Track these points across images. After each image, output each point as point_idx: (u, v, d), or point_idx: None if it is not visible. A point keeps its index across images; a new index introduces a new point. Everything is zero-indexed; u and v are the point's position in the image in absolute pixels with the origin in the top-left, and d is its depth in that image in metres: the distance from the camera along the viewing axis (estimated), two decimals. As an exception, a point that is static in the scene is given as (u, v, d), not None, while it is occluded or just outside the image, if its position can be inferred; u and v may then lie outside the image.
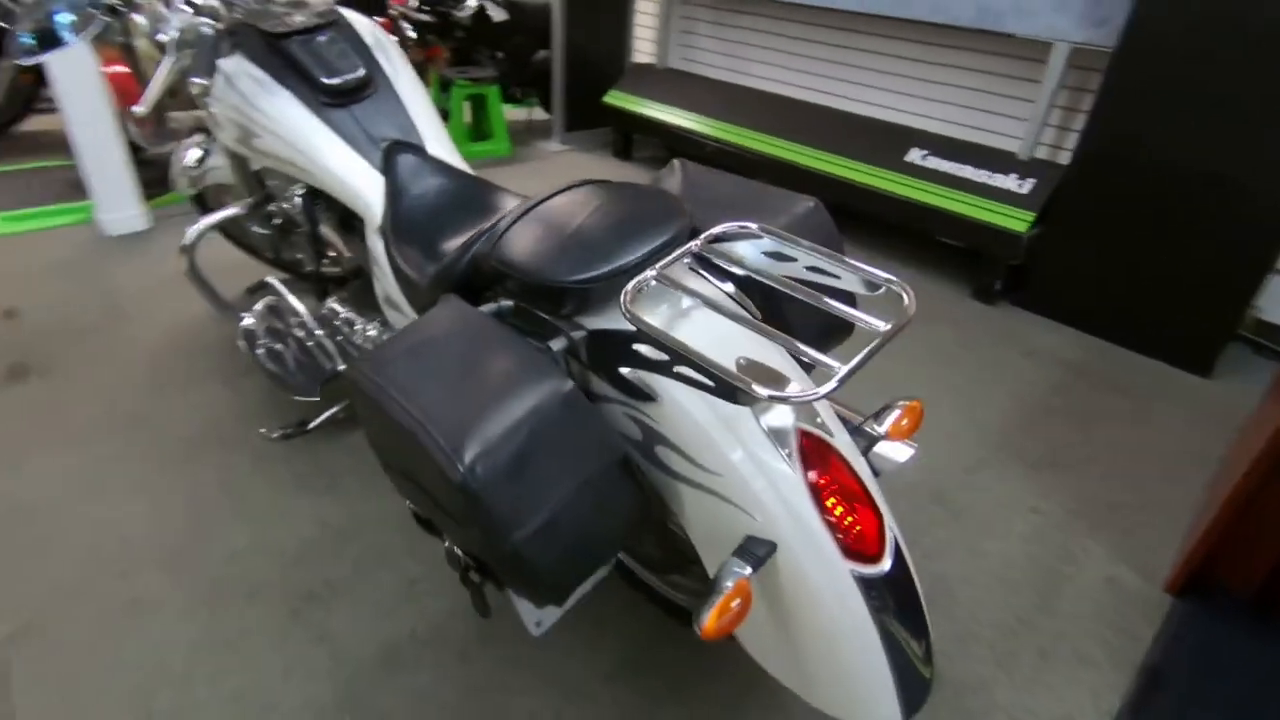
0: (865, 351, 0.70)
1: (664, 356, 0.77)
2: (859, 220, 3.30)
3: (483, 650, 1.28)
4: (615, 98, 3.92)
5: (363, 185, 1.25)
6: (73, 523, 1.49)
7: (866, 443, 0.93)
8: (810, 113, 3.30)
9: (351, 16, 1.44)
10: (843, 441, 0.86)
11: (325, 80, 1.26)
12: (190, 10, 1.19)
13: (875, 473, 1.01)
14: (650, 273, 0.80)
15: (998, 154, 2.71)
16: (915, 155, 2.86)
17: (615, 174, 3.81)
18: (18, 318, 2.15)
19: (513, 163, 3.89)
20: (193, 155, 1.78)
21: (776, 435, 0.82)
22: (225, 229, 2.17)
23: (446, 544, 0.96)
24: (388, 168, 1.25)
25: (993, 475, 1.79)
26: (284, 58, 1.27)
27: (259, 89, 1.28)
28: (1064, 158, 2.64)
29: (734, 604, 0.78)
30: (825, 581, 0.82)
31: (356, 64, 1.30)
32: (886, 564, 0.84)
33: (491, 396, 0.76)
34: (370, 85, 1.32)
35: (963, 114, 2.96)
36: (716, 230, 0.88)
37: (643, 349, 0.81)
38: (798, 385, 0.82)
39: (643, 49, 4.21)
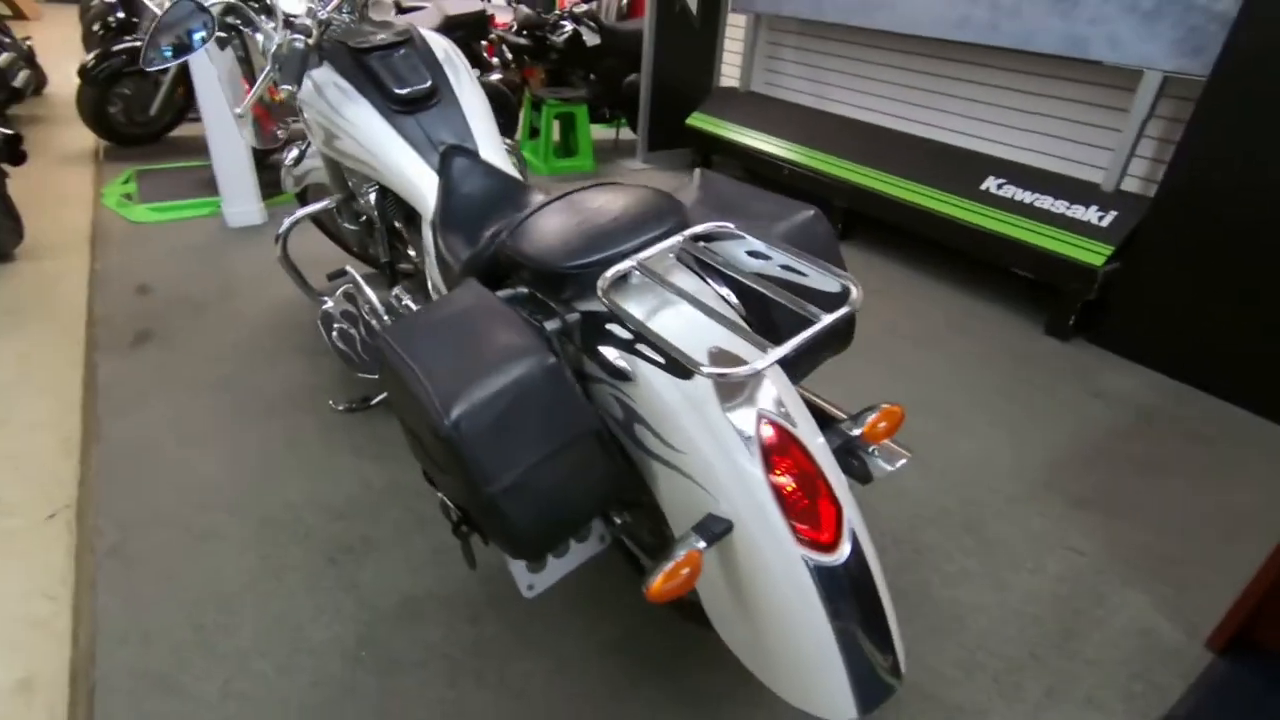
0: (801, 337, 0.76)
1: (631, 336, 0.84)
2: (931, 248, 3.23)
3: (491, 615, 1.37)
4: (698, 120, 4.03)
5: (421, 183, 1.40)
6: (168, 461, 1.72)
7: (840, 440, 0.96)
8: (887, 138, 3.28)
9: (428, 35, 1.61)
10: (806, 432, 0.90)
11: (396, 90, 1.42)
12: (287, 29, 1.38)
13: (867, 478, 1.04)
14: (629, 262, 0.88)
15: (1080, 185, 2.60)
16: (991, 183, 2.79)
17: (692, 193, 3.90)
18: (150, 293, 2.48)
19: (594, 178, 4.07)
20: (292, 156, 2.03)
21: (738, 420, 0.87)
22: (321, 223, 2.42)
23: (440, 496, 1.06)
24: (443, 168, 1.40)
25: (1034, 510, 1.73)
26: (365, 70, 1.44)
27: (343, 96, 1.46)
28: (1155, 191, 2.51)
29: (683, 571, 0.83)
30: (778, 564, 0.86)
31: (425, 77, 1.46)
32: (841, 554, 0.87)
33: (484, 364, 0.86)
34: (436, 95, 1.47)
35: (1045, 143, 2.86)
36: (699, 229, 0.94)
37: (616, 329, 0.89)
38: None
39: (729, 73, 4.31)
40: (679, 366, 0.78)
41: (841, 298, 0.84)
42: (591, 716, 1.21)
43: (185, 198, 3.25)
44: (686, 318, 0.91)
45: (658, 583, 0.82)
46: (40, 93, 4.88)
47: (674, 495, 0.94)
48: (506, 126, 4.06)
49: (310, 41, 1.35)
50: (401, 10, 3.98)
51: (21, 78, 3.93)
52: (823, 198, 3.34)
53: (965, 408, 2.12)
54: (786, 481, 0.86)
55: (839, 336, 1.13)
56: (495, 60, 4.07)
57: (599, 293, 0.84)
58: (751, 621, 0.92)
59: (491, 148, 1.47)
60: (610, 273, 0.86)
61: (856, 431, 0.96)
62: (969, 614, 1.44)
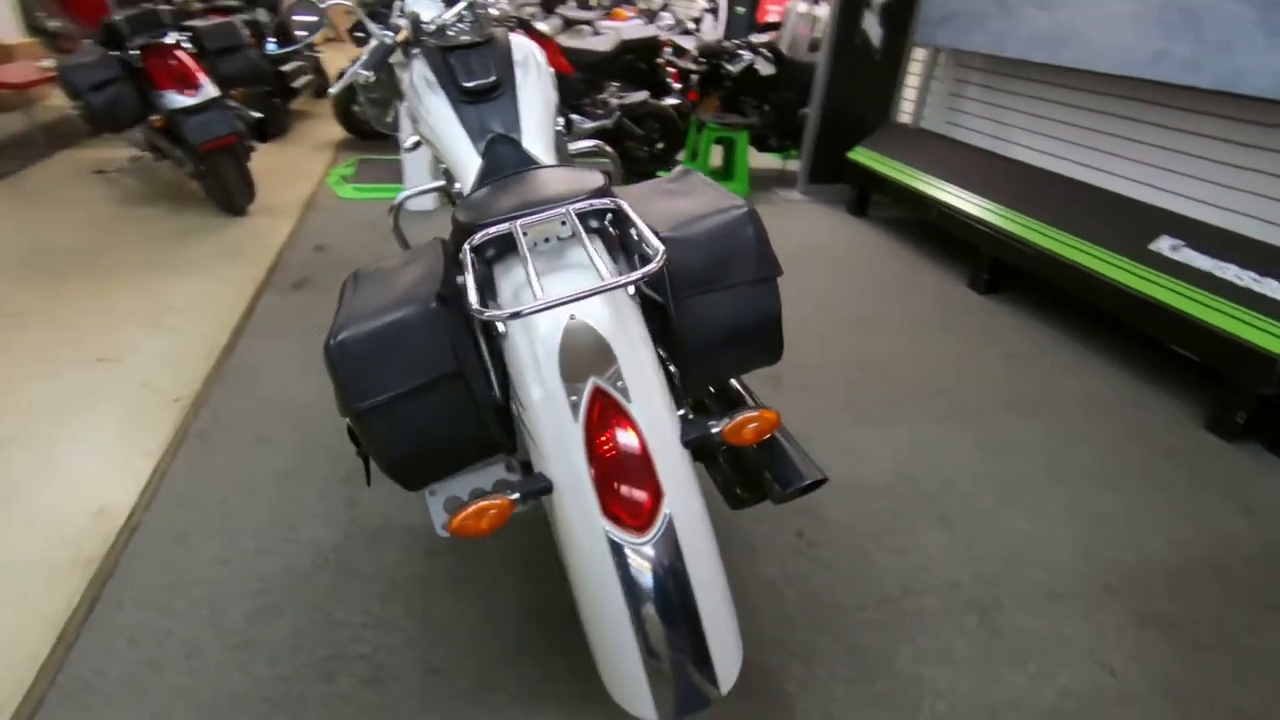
0: (578, 290, 0.78)
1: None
2: (1080, 309, 2.80)
3: (445, 555, 1.49)
4: (859, 154, 3.89)
5: (469, 166, 1.58)
6: (273, 381, 2.08)
7: (698, 433, 0.93)
8: (1049, 182, 2.92)
9: (514, 39, 1.80)
10: (645, 411, 0.89)
11: (463, 83, 1.62)
12: (382, 28, 1.65)
13: (752, 487, 0.99)
14: (508, 225, 0.95)
15: (1274, 252, 2.12)
16: (1164, 244, 2.36)
17: (844, 229, 3.79)
18: (323, 251, 3.01)
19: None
20: (410, 141, 2.35)
21: (571, 386, 0.89)
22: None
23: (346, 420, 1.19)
24: (486, 153, 1.56)
25: (1075, 612, 1.45)
26: (445, 64, 1.66)
27: (426, 87, 1.69)
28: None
29: (489, 513, 0.87)
30: (583, 533, 0.86)
31: (491, 72, 1.64)
32: (647, 538, 0.85)
33: (381, 305, 0.98)
34: (499, 90, 1.65)
35: (1238, 199, 2.36)
36: (580, 204, 0.98)
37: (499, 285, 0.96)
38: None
39: (907, 109, 4.11)
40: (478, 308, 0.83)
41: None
42: (483, 668, 1.26)
43: (384, 183, 3.86)
44: (562, 281, 0.94)
45: (458, 519, 0.87)
46: (323, 95, 6.06)
47: (525, 450, 0.98)
48: (670, 148, 4.26)
49: (396, 38, 1.59)
50: (596, 33, 4.37)
51: (302, 81, 4.95)
52: (969, 244, 3.05)
53: (1045, 485, 1.83)
54: (607, 453, 0.86)
55: (758, 344, 1.08)
56: (679, 85, 4.29)
57: (465, 251, 0.92)
58: (574, 592, 0.92)
59: (536, 139, 1.61)
60: (481, 234, 0.94)
61: (715, 428, 0.93)
62: (926, 698, 1.26)
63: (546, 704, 1.20)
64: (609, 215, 1.03)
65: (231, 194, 3.19)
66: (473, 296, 0.81)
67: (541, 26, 3.86)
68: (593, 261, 0.84)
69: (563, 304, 0.78)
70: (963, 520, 1.70)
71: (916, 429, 2.04)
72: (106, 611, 1.33)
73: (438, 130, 1.65)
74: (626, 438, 0.87)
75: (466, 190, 1.55)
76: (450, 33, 1.76)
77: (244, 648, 1.27)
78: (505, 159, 1.55)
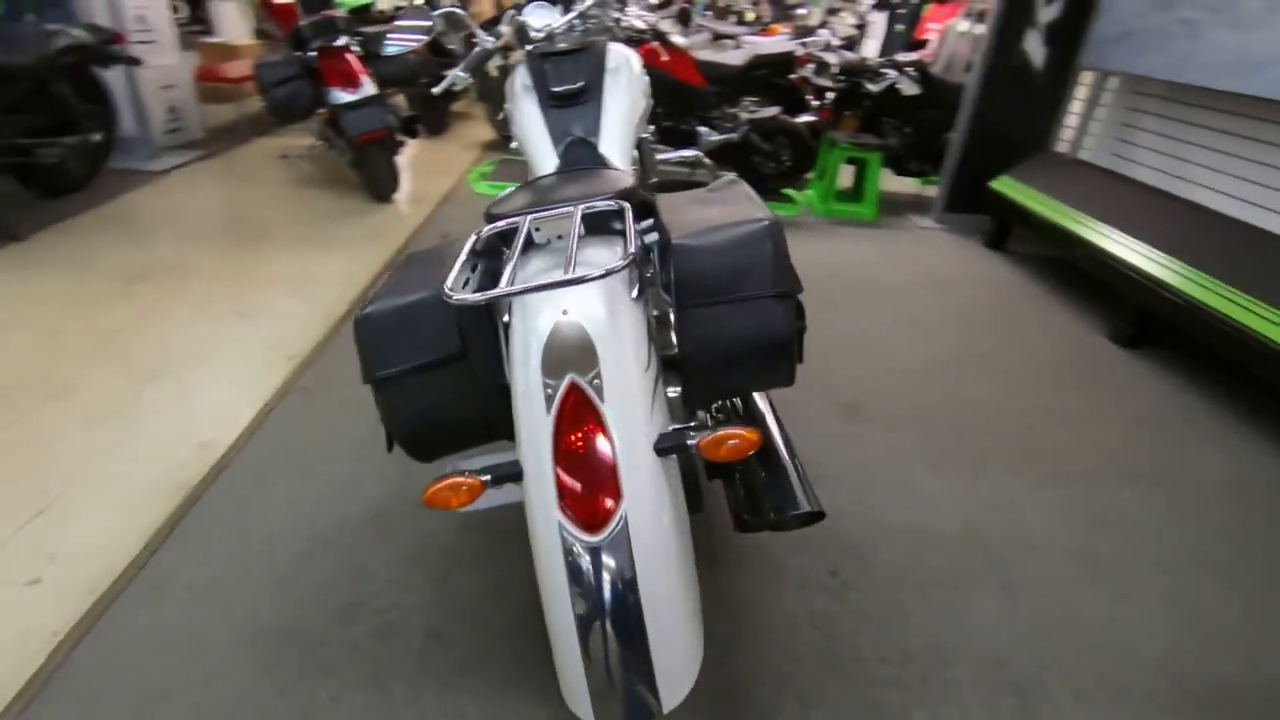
0: (545, 279, 0.80)
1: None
2: (1243, 376, 2.39)
3: (477, 532, 1.56)
4: (1003, 184, 3.59)
5: (545, 167, 1.65)
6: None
7: (673, 441, 0.91)
8: (1228, 230, 2.53)
9: (613, 47, 1.85)
10: (615, 413, 0.88)
11: (553, 87, 1.70)
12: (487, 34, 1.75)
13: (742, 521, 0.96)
14: (519, 218, 0.98)
15: None
16: (1356, 310, 1.98)
17: (976, 261, 3.53)
18: (448, 239, 3.24)
19: (872, 228, 3.91)
20: (514, 143, 2.48)
21: (549, 376, 0.91)
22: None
23: None
24: (563, 156, 1.63)
25: (1143, 716, 1.26)
26: (541, 70, 1.75)
27: (523, 91, 1.79)
28: None
29: (460, 489, 0.91)
30: (541, 525, 0.88)
31: (579, 79, 1.70)
32: (598, 539, 0.85)
33: (411, 283, 1.06)
34: (585, 95, 1.71)
35: None
36: (589, 205, 0.99)
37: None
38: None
39: (1065, 137, 3.73)
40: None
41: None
42: (482, 642, 1.31)
43: (517, 181, 4.11)
44: (548, 272, 0.96)
45: (431, 490, 0.92)
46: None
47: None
48: (799, 166, 4.17)
49: (496, 44, 1.70)
50: (737, 47, 4.38)
51: (462, 81, 5.37)
52: (1115, 290, 2.73)
53: (1144, 569, 1.59)
54: (572, 449, 0.87)
55: (765, 363, 1.04)
56: (817, 102, 4.20)
57: (469, 240, 0.97)
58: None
59: (613, 144, 1.65)
60: (489, 226, 0.98)
61: (692, 440, 0.91)
62: (930, 770, 1.15)
63: (531, 684, 1.23)
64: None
65: (380, 183, 3.54)
66: (451, 281, 0.85)
67: (678, 40, 3.93)
68: (570, 259, 0.85)
69: (514, 294, 0.81)
70: (1030, 592, 1.52)
71: (1004, 485, 1.86)
72: (186, 530, 1.53)
73: (525, 131, 1.74)
74: (593, 436, 0.87)
75: (541, 189, 1.63)
76: (551, 40, 1.86)
77: (284, 583, 1.41)
78: (579, 162, 1.61)
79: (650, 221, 1.17)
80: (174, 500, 1.59)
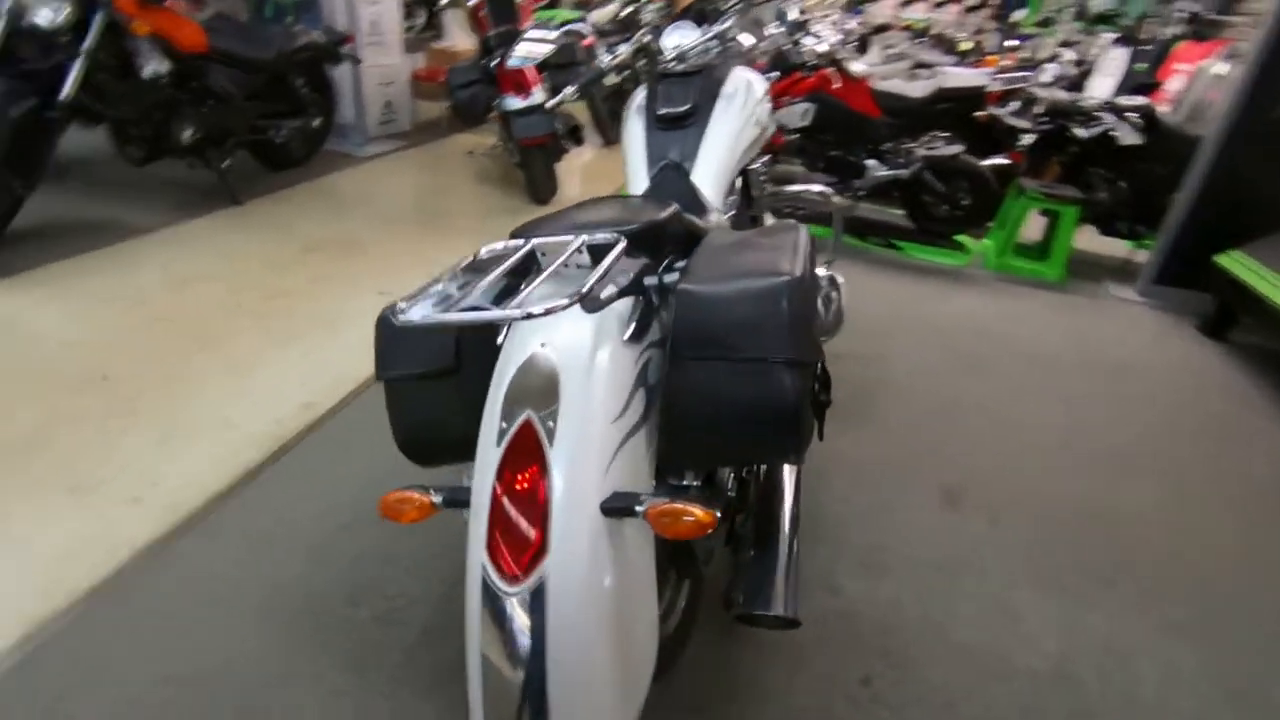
0: (486, 316, 0.75)
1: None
2: None
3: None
4: (1234, 259, 2.96)
5: (636, 188, 1.62)
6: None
7: (619, 504, 0.83)
8: None
9: (735, 72, 1.77)
10: (561, 460, 0.82)
11: (659, 109, 1.66)
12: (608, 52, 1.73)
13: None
14: (522, 240, 0.95)
15: None
16: None
17: (1182, 347, 2.97)
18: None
19: (1053, 291, 3.42)
20: None
21: (508, 411, 0.87)
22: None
23: None
24: (654, 178, 1.59)
25: None
26: (655, 90, 1.72)
27: (635, 111, 1.76)
28: None
29: (412, 503, 0.91)
30: (470, 559, 0.84)
31: (687, 102, 1.64)
32: (513, 590, 0.79)
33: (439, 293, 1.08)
34: (690, 119, 1.65)
35: None
36: (588, 238, 0.93)
37: None
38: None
39: (1337, 214, 2.99)
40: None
41: None
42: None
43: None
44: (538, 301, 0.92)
45: (384, 501, 0.92)
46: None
47: None
48: (978, 211, 3.76)
49: (612, 62, 1.69)
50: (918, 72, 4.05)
51: (571, 97, 5.51)
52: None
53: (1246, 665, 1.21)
54: (511, 488, 0.83)
55: (764, 435, 0.92)
56: (1028, 141, 3.78)
57: (468, 257, 0.95)
58: None
59: (708, 171, 1.58)
60: (487, 249, 0.96)
61: (641, 507, 0.82)
62: None
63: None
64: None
65: (538, 186, 3.73)
66: (410, 299, 0.83)
67: (856, 66, 3.71)
68: (526, 288, 0.80)
69: (449, 322, 0.77)
70: (1083, 673, 1.22)
71: (1126, 625, 1.52)
72: (263, 481, 1.70)
73: (627, 151, 1.72)
74: (534, 480, 0.82)
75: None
76: (670, 62, 1.82)
77: (320, 551, 1.51)
78: (668, 187, 1.55)
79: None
80: (264, 452, 1.77)
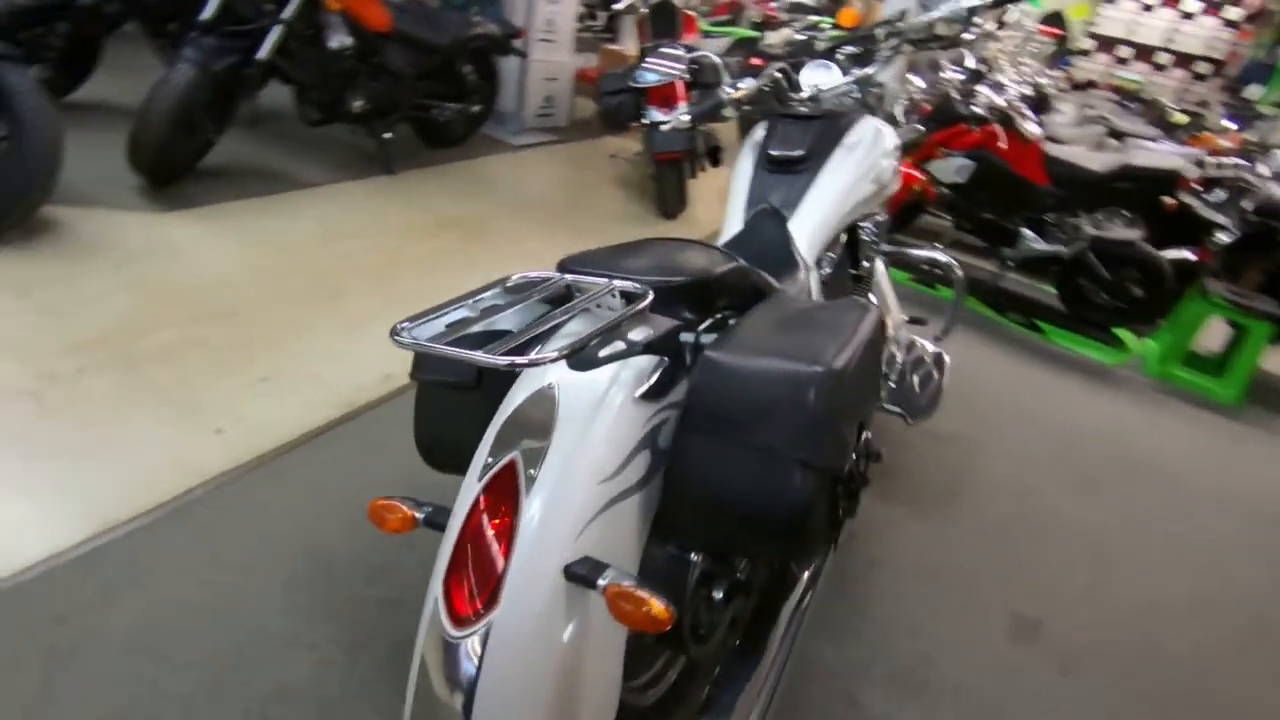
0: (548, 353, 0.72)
1: None
2: None
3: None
4: None
5: (730, 230, 1.55)
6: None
7: (583, 571, 0.77)
8: None
9: (864, 120, 1.65)
10: (533, 511, 0.78)
11: (770, 150, 1.58)
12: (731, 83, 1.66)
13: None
14: (556, 276, 0.92)
15: None
16: None
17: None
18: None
19: (1223, 415, 2.94)
20: None
21: (498, 445, 0.84)
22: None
23: None
24: (749, 222, 1.51)
25: None
26: (771, 128, 1.64)
27: (750, 148, 1.68)
28: None
29: (394, 515, 0.90)
30: (429, 591, 0.82)
31: (802, 146, 1.54)
32: (456, 634, 0.76)
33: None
34: (801, 165, 1.55)
35: None
36: (620, 283, 0.88)
37: None
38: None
39: None
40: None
41: None
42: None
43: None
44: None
45: (374, 503, 0.92)
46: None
47: None
48: (1147, 307, 3.33)
49: (733, 95, 1.63)
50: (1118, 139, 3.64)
51: (685, 124, 5.36)
52: None
53: None
54: (480, 528, 0.80)
55: (763, 533, 0.83)
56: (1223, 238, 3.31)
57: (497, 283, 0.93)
58: None
59: (807, 223, 1.48)
60: (519, 275, 0.94)
61: (603, 581, 0.76)
62: None
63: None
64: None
65: (666, 200, 3.73)
66: (423, 317, 0.82)
67: (1030, 128, 3.38)
68: (551, 322, 0.77)
69: (429, 350, 0.74)
70: None
71: None
72: (328, 441, 1.80)
73: (731, 188, 1.66)
74: (502, 527, 0.79)
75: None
76: (815, 102, 1.73)
77: (355, 524, 1.57)
78: (760, 233, 1.48)
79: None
80: (339, 412, 1.88)
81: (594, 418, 0.84)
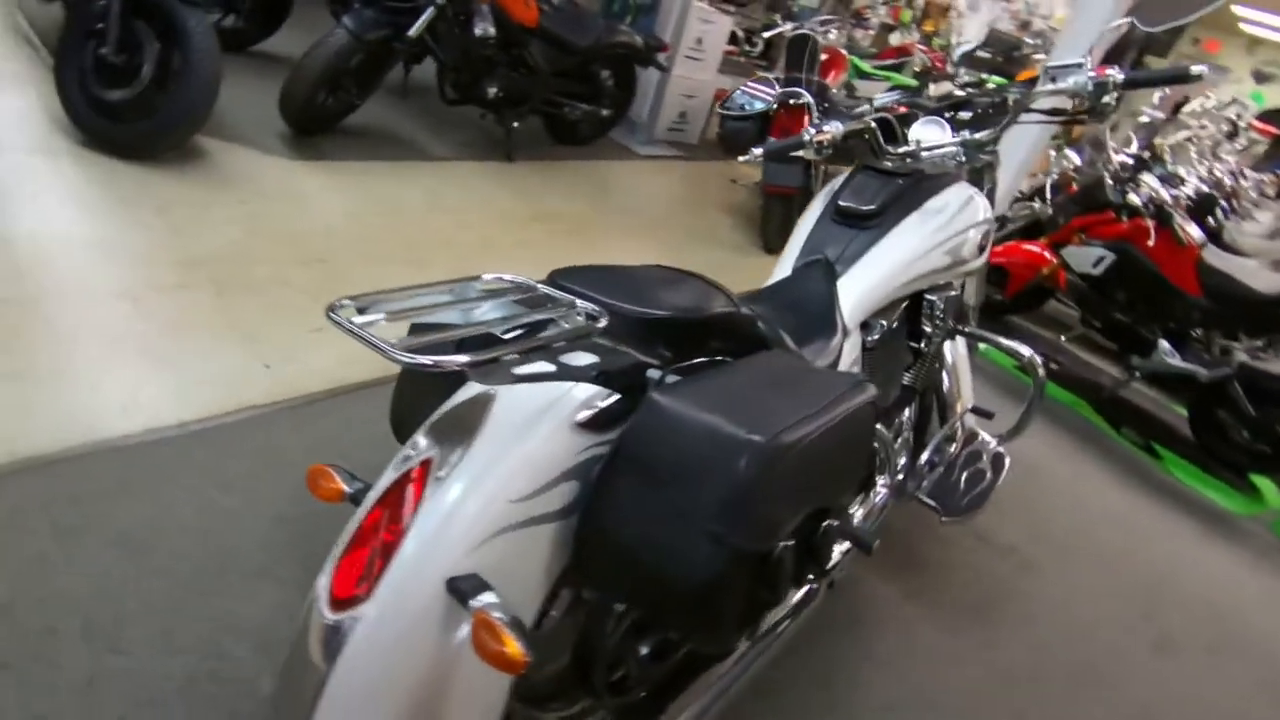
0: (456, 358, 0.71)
1: None
2: None
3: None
4: None
5: (776, 275, 1.47)
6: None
7: (462, 586, 0.73)
8: None
9: (955, 187, 1.51)
10: (429, 516, 0.75)
11: (840, 201, 1.48)
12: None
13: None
14: (524, 281, 0.89)
15: None
16: None
17: None
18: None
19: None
20: None
21: (421, 437, 0.83)
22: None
23: None
24: (796, 269, 1.42)
25: None
26: (854, 177, 1.54)
27: (824, 194, 1.59)
28: None
29: (322, 483, 0.91)
30: (324, 567, 0.82)
31: (874, 203, 1.43)
32: (326, 617, 0.75)
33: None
34: (871, 221, 1.44)
35: None
36: (582, 304, 0.83)
37: None
38: None
39: None
40: None
41: None
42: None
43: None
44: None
45: (315, 467, 0.93)
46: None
47: None
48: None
49: (808, 138, 1.54)
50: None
51: (756, 159, 5.07)
52: None
53: None
54: (379, 518, 0.79)
55: (666, 600, 0.76)
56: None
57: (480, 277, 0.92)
58: None
59: (860, 284, 1.37)
60: (494, 275, 0.92)
61: (478, 603, 0.72)
62: None
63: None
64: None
65: (768, 235, 3.63)
66: (373, 297, 0.81)
67: (1190, 230, 2.99)
68: (458, 329, 0.74)
69: (347, 332, 0.72)
70: None
71: None
72: (364, 398, 1.87)
73: (795, 232, 1.57)
74: (400, 522, 0.77)
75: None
76: (914, 158, 1.62)
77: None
78: (803, 286, 1.40)
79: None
80: (381, 373, 1.95)
81: (523, 434, 0.80)
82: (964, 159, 1.68)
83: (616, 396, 0.85)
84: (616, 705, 1.00)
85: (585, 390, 0.84)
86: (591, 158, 4.24)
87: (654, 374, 0.90)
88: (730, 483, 0.72)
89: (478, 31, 3.11)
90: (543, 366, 0.80)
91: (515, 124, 3.66)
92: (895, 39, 7.80)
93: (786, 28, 3.88)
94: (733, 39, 5.91)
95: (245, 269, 2.20)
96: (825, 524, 0.89)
